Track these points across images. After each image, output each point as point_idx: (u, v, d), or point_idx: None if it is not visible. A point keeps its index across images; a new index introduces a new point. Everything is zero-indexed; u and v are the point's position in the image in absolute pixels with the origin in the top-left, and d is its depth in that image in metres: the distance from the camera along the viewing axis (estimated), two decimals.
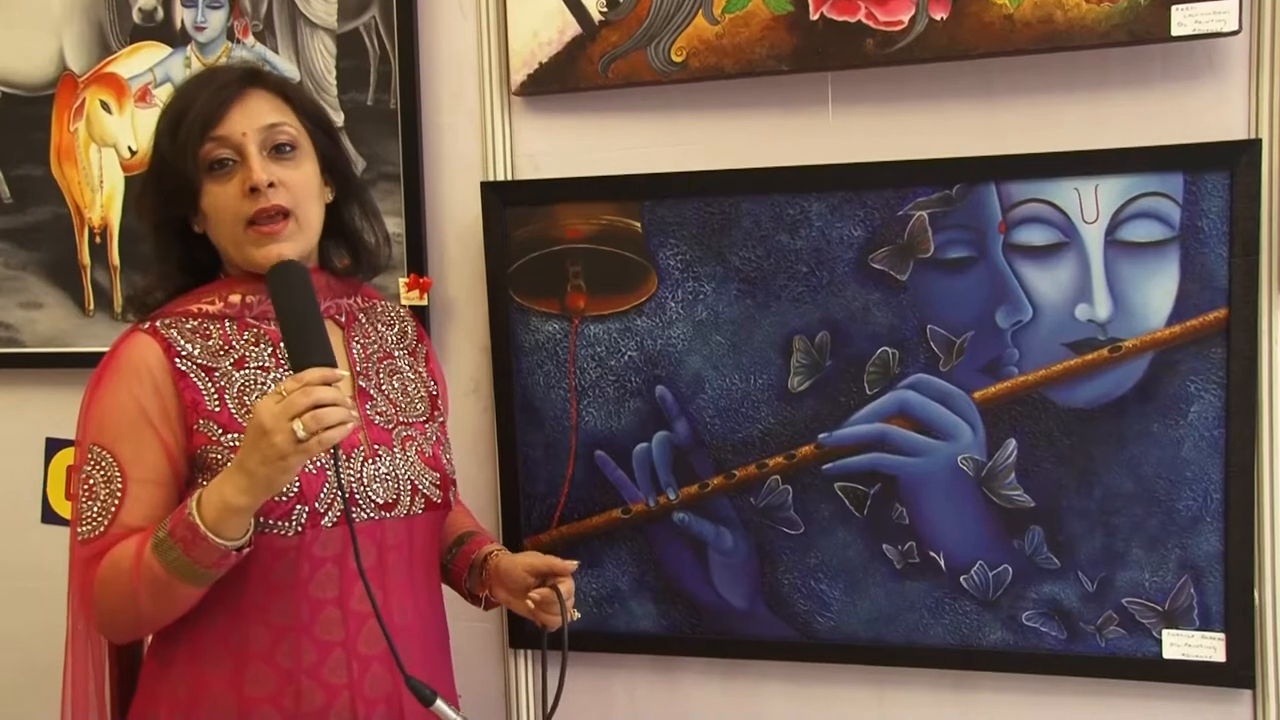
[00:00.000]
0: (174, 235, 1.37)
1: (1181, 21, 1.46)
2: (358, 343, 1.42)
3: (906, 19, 1.54)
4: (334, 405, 1.16)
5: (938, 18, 1.53)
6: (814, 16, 1.58)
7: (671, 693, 1.77)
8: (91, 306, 1.97)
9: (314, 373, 1.18)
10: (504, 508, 1.78)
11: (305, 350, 1.21)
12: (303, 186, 1.34)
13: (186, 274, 1.38)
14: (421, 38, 1.77)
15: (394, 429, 1.39)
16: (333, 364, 1.20)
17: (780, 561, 1.68)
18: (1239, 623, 1.52)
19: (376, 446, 1.36)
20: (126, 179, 1.93)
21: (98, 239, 1.96)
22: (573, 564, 1.40)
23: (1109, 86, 1.54)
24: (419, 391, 1.46)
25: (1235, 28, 1.44)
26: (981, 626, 1.62)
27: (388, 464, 1.35)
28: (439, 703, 1.22)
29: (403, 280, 1.77)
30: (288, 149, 1.33)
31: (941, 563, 1.62)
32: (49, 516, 2.02)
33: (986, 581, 1.61)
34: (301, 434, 1.14)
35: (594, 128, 1.72)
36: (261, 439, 1.16)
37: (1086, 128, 1.54)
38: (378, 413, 1.39)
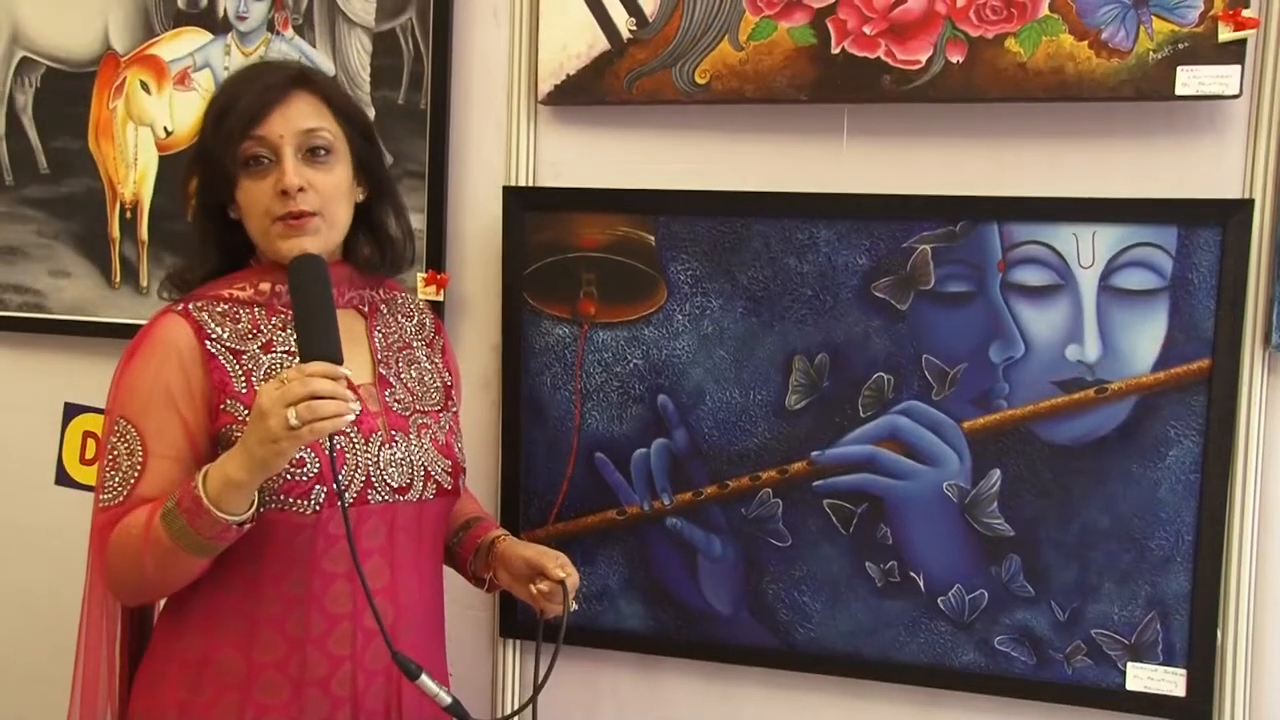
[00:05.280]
0: (212, 219, 1.43)
1: (1186, 82, 1.51)
2: (379, 332, 1.48)
3: (924, 59, 1.60)
4: (331, 398, 1.21)
5: (954, 60, 1.59)
6: (835, 50, 1.63)
7: (654, 690, 1.82)
8: (118, 279, 2.03)
9: (316, 365, 1.23)
10: (504, 501, 1.83)
11: (311, 342, 1.26)
12: (333, 189, 1.39)
13: (222, 256, 1.44)
14: (455, 42, 1.82)
15: (410, 416, 1.44)
16: (338, 359, 1.25)
17: (766, 571, 1.73)
18: (1201, 660, 1.58)
19: (394, 432, 1.41)
20: (160, 158, 1.99)
21: (128, 214, 2.02)
22: (559, 574, 1.42)
23: (1113, 137, 1.59)
24: (435, 382, 1.51)
25: (1236, 92, 1.49)
26: (955, 647, 1.67)
27: (403, 449, 1.41)
28: (424, 678, 1.29)
29: (421, 275, 1.82)
30: (322, 152, 1.38)
31: (921, 583, 1.68)
32: (62, 479, 2.08)
33: (963, 604, 1.67)
34: (294, 421, 1.19)
35: (615, 141, 1.77)
36: (259, 421, 1.22)
37: (1089, 176, 1.60)
38: (395, 400, 1.44)
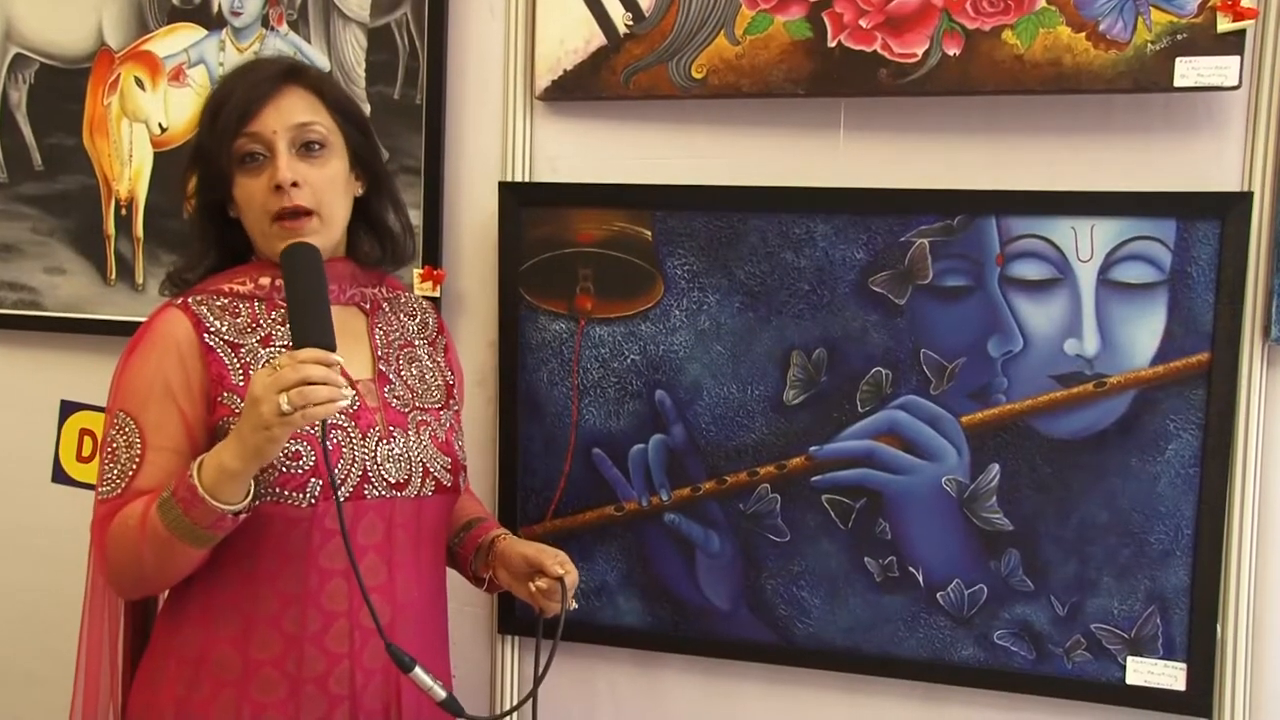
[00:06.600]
0: (211, 219, 1.43)
1: (1184, 73, 1.51)
2: (380, 329, 1.48)
3: (921, 52, 1.59)
4: (323, 384, 1.20)
5: (951, 53, 1.58)
6: (831, 44, 1.63)
7: (652, 686, 1.83)
8: (114, 276, 2.02)
9: (308, 352, 1.23)
10: (501, 497, 1.83)
11: (304, 329, 1.26)
12: (327, 184, 1.39)
13: (221, 255, 1.44)
14: (451, 37, 1.82)
15: (410, 413, 1.44)
16: (330, 346, 1.24)
17: (765, 567, 1.73)
18: (1201, 654, 1.58)
19: (392, 428, 1.41)
20: (156, 154, 1.99)
21: (124, 211, 2.01)
22: (558, 570, 1.42)
23: (1111, 130, 1.59)
24: (436, 380, 1.51)
25: (1235, 83, 1.49)
26: (954, 642, 1.67)
27: (401, 445, 1.41)
28: (417, 670, 1.29)
29: (417, 271, 1.82)
30: (316, 147, 1.39)
31: (920, 578, 1.68)
32: (59, 476, 2.08)
33: (962, 599, 1.67)
34: (286, 407, 1.19)
35: (612, 136, 1.77)
36: (252, 407, 1.22)
37: (1087, 169, 1.59)
38: (395, 396, 1.44)
